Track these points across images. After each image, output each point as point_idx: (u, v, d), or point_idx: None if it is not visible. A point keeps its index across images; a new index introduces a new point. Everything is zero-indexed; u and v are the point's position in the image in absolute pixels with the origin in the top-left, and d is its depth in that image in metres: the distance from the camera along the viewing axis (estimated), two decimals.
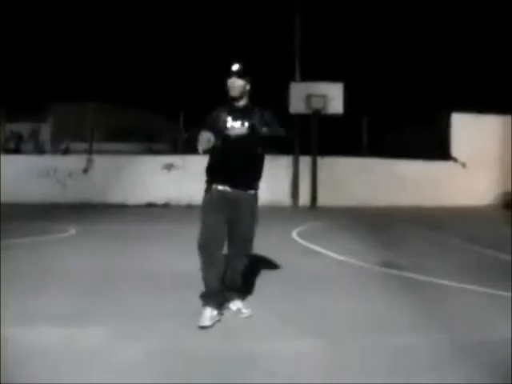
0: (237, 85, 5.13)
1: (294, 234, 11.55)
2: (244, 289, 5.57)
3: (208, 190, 5.13)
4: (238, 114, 5.09)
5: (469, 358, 4.04)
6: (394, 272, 7.43)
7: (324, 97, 20.87)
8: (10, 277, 6.73)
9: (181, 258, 8.08)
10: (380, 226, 14.27)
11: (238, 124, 5.03)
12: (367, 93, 24.85)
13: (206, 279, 5.05)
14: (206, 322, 4.83)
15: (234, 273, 5.28)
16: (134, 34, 31.62)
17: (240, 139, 4.91)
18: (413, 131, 23.35)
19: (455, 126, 22.86)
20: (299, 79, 22.01)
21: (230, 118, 5.06)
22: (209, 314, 4.93)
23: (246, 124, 4.98)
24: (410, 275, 7.17)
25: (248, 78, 5.19)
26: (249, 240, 5.24)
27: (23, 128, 27.79)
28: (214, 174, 5.14)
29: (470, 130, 22.23)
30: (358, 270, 7.71)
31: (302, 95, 20.86)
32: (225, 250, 5.12)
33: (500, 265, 8.09)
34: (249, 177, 5.15)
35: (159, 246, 9.81)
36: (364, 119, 22.91)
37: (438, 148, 22.47)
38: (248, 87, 5.21)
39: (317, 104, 20.85)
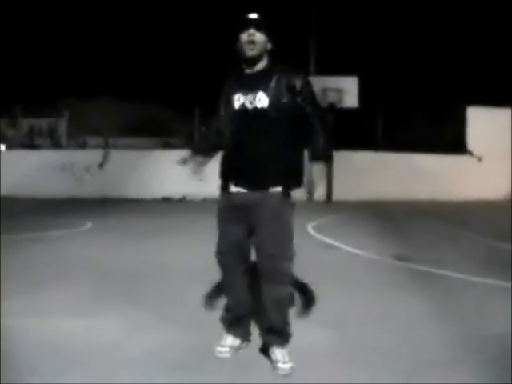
0: (257, 39, 3.65)
1: (310, 228, 11.56)
2: (287, 330, 3.88)
3: (221, 192, 3.90)
4: (251, 84, 3.69)
5: (480, 351, 4.04)
6: (409, 265, 7.44)
7: (339, 90, 20.83)
8: (26, 270, 6.82)
9: (197, 252, 8.13)
10: (395, 219, 14.25)
11: (249, 98, 3.67)
12: (382, 86, 24.79)
13: (228, 302, 4.04)
14: (225, 353, 3.85)
15: (270, 309, 3.78)
16: (150, 29, 31.67)
17: (257, 118, 3.64)
18: (428, 125, 23.27)
19: (471, 119, 22.73)
20: (314, 73, 21.98)
21: (238, 96, 3.71)
22: (230, 342, 3.92)
23: (263, 97, 3.64)
24: (425, 268, 7.17)
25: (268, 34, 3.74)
26: (280, 258, 3.66)
27: (40, 123, 27.99)
28: (224, 170, 3.85)
29: (485, 124, 22.07)
30: (373, 263, 7.73)
31: (316, 89, 20.62)
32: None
33: None
34: (269, 169, 3.63)
35: (175, 240, 9.87)
36: (379, 113, 22.86)
37: (453, 142, 22.37)
38: (269, 46, 3.77)
39: (332, 98, 20.79)
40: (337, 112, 21.12)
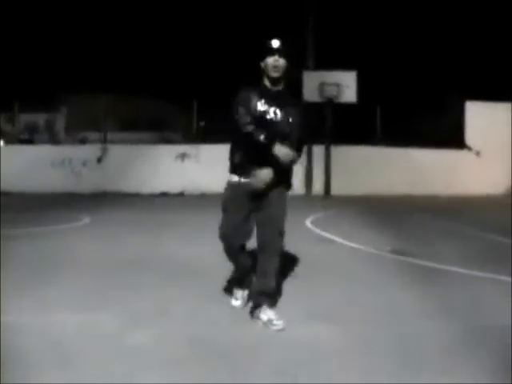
0: (281, 64, 4.46)
1: (308, 222, 11.57)
2: (276, 295, 4.85)
3: (234, 182, 4.56)
4: (271, 100, 4.51)
5: (480, 344, 4.06)
6: (407, 259, 7.44)
7: (337, 85, 20.81)
8: (24, 265, 6.81)
9: (194, 246, 8.14)
10: (393, 214, 14.26)
11: (271, 110, 4.48)
12: (381, 81, 24.76)
13: (236, 264, 4.87)
14: (240, 302, 4.95)
15: (264, 275, 4.54)
16: (146, 24, 31.63)
17: (275, 126, 4.45)
18: (426, 119, 23.24)
19: (469, 114, 22.73)
20: (312, 68, 21.97)
21: (261, 102, 4.48)
22: (240, 294, 4.99)
23: (279, 112, 4.49)
24: (423, 262, 7.17)
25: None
26: (280, 234, 4.57)
27: (37, 118, 27.96)
28: (244, 165, 4.48)
29: (483, 118, 22.07)
30: (371, 258, 7.73)
31: (315, 84, 20.80)
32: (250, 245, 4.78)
33: None
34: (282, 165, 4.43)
35: (173, 234, 9.86)
36: (377, 108, 22.86)
37: (451, 136, 22.36)
38: (287, 70, 4.55)
39: (330, 92, 20.80)
40: (335, 107, 21.13)
